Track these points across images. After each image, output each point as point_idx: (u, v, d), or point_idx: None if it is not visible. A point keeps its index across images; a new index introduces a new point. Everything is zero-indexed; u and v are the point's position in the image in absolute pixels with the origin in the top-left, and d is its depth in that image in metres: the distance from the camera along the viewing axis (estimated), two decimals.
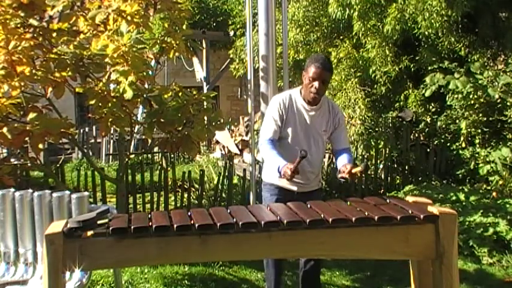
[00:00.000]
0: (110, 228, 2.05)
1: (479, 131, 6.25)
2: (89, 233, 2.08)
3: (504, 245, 4.61)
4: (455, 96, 6.20)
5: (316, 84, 3.00)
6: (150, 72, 4.11)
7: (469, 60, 6.56)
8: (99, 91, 3.43)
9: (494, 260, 4.47)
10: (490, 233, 4.67)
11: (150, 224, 2.10)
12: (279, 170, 2.87)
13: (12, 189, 2.89)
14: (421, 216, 2.19)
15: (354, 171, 2.83)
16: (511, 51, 6.55)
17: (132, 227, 2.06)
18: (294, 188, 3.11)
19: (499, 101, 5.97)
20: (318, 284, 3.40)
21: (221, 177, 5.60)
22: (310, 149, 3.06)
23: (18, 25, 3.37)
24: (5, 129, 3.15)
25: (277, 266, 3.31)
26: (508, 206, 5.21)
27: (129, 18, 3.68)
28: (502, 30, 6.85)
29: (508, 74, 6.03)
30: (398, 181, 6.68)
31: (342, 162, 3.01)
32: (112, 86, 3.47)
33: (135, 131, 5.03)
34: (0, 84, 3.16)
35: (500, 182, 5.72)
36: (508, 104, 5.85)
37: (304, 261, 3.33)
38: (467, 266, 4.40)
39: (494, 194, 5.65)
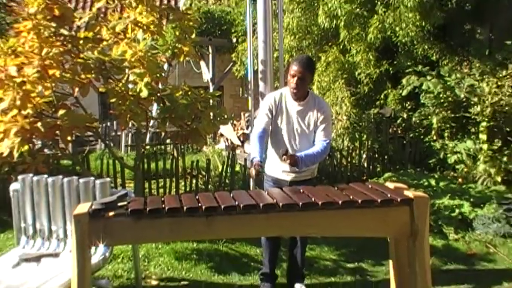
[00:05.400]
0: (129, 210, 2.06)
1: (448, 125, 6.25)
2: (111, 213, 2.08)
3: (467, 223, 4.64)
4: (428, 95, 6.21)
5: (294, 80, 2.97)
6: (163, 74, 4.10)
7: (440, 64, 6.56)
8: (119, 90, 3.42)
9: (459, 236, 4.50)
10: (456, 213, 4.69)
11: (163, 206, 2.10)
12: (251, 161, 2.88)
13: (45, 176, 2.90)
14: (398, 199, 2.19)
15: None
16: (475, 58, 6.55)
17: (147, 209, 2.06)
18: (288, 178, 3.10)
19: (464, 99, 5.99)
20: (302, 258, 3.34)
21: (225, 166, 5.58)
22: (295, 139, 3.06)
23: (51, 34, 3.35)
24: (39, 124, 3.15)
25: (273, 244, 3.29)
26: (471, 190, 5.25)
27: (144, 27, 3.70)
28: (467, 39, 6.89)
29: (471, 77, 6.05)
30: (379, 169, 6.66)
31: (306, 151, 2.96)
32: (130, 86, 3.46)
33: (150, 125, 5.03)
34: (35, 85, 3.15)
35: (465, 170, 5.74)
36: (472, 102, 5.86)
37: (290, 239, 3.32)
38: (436, 242, 4.41)
39: (460, 180, 5.67)
